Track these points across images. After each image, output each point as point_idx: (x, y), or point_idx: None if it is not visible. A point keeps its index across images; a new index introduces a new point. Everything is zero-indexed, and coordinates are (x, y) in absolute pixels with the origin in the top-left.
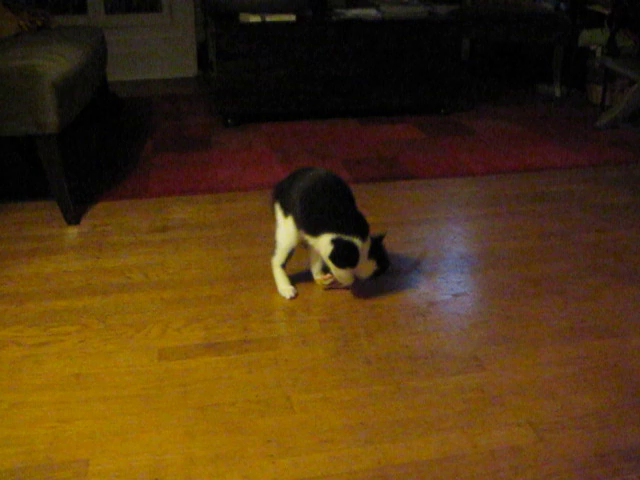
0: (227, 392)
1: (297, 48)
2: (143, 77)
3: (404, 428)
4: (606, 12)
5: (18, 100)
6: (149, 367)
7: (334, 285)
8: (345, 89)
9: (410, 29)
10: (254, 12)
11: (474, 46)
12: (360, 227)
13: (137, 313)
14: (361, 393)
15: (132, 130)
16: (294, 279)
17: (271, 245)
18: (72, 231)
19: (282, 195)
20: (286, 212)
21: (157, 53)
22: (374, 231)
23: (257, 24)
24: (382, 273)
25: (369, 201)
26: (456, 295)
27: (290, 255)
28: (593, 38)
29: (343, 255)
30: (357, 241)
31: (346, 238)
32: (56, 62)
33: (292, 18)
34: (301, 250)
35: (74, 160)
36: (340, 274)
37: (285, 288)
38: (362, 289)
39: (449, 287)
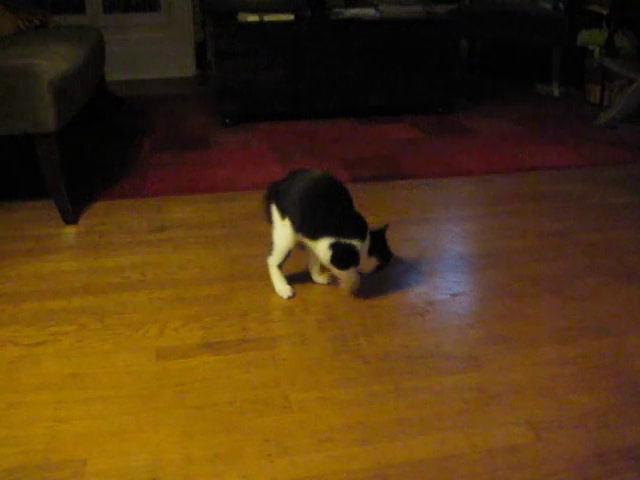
0: (225, 391)
1: (295, 48)
2: (141, 76)
3: (402, 427)
4: (604, 12)
5: (16, 99)
6: (147, 367)
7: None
8: (343, 88)
9: (408, 29)
10: (252, 11)
11: (472, 46)
12: (358, 228)
13: (135, 313)
14: (359, 392)
15: (130, 130)
16: (292, 279)
17: (269, 245)
18: (70, 231)
19: (279, 197)
20: (283, 214)
21: (155, 53)
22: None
23: (255, 23)
24: (385, 266)
25: (367, 201)
26: (454, 295)
27: (287, 256)
28: (591, 38)
29: (343, 258)
30: (356, 242)
31: (344, 241)
32: (54, 61)
33: (290, 17)
34: (298, 250)
35: (72, 159)
36: (344, 275)
37: (282, 288)
38: (360, 289)
39: (447, 287)
